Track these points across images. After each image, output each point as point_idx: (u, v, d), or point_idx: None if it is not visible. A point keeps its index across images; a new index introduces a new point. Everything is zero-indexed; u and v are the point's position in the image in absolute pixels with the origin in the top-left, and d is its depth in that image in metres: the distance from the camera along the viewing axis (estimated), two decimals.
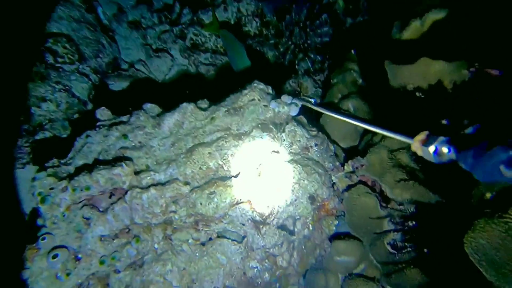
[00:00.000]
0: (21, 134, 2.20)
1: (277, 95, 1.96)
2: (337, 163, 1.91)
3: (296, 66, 3.41)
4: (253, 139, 1.68)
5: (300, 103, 1.85)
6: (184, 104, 1.82)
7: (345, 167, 1.92)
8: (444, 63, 1.57)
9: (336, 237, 1.85)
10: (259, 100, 1.81)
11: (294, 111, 1.84)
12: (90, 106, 2.50)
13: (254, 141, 1.68)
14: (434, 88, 1.70)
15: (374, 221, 1.73)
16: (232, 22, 3.01)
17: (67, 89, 2.33)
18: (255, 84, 1.86)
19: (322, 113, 2.11)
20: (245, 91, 1.82)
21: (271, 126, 1.74)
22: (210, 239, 1.63)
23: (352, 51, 2.68)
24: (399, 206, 1.71)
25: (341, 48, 2.76)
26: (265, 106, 1.80)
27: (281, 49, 3.41)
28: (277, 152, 1.70)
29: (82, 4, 2.87)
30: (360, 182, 1.87)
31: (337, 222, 1.81)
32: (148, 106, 1.91)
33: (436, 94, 1.70)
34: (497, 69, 1.39)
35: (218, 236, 1.62)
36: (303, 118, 2.07)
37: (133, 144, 1.72)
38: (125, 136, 1.70)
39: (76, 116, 2.38)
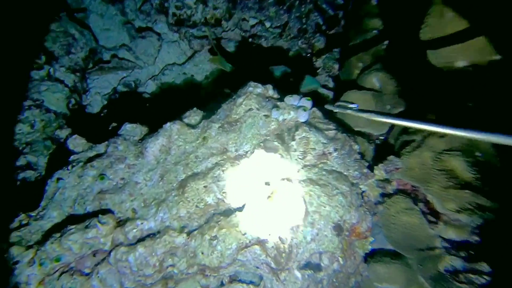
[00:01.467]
0: None
1: (281, 93, 1.52)
2: (365, 169, 1.51)
3: (304, 23, 2.85)
4: (256, 163, 1.30)
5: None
6: (168, 124, 1.43)
7: (376, 171, 1.53)
8: None
9: (374, 256, 1.53)
10: (257, 109, 1.39)
11: (303, 116, 1.41)
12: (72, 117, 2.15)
13: (258, 165, 1.31)
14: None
15: (422, 238, 1.38)
16: None
17: (39, 104, 1.97)
18: (250, 89, 1.43)
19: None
20: (240, 100, 1.40)
21: (276, 143, 1.34)
22: (222, 284, 1.36)
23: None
24: (455, 222, 1.33)
25: None
26: (265, 116, 1.38)
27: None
28: (288, 175, 1.32)
29: None
30: (398, 190, 1.49)
31: (372, 239, 1.47)
32: (128, 127, 1.54)
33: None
34: None
35: (231, 281, 1.35)
36: (316, 112, 1.64)
37: (114, 184, 1.39)
38: (101, 177, 1.36)
39: (58, 132, 2.05)
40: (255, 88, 1.43)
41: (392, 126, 1.73)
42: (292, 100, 1.43)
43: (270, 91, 1.49)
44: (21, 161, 1.98)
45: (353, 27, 2.16)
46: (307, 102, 1.41)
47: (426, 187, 1.36)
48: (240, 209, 1.32)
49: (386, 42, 1.94)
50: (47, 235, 1.28)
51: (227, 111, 1.43)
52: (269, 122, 1.38)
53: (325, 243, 1.30)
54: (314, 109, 1.68)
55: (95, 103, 2.56)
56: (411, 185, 1.46)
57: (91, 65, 2.52)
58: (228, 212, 1.33)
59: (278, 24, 2.79)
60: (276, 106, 1.40)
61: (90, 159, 1.44)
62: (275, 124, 1.39)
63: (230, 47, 2.88)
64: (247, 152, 1.35)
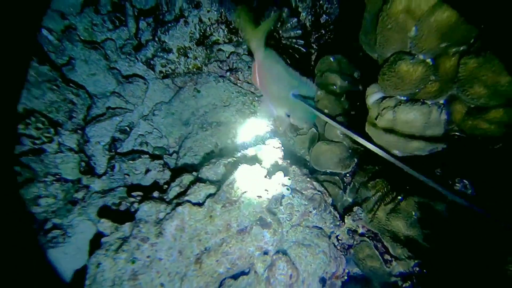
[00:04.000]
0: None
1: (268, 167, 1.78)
2: (338, 221, 1.84)
3: None
4: (255, 239, 1.60)
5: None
6: (180, 208, 1.68)
7: (346, 220, 1.86)
8: None
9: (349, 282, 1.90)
10: (251, 191, 1.65)
11: (287, 193, 1.69)
12: (84, 180, 2.33)
13: (256, 239, 1.60)
14: None
15: (382, 273, 1.75)
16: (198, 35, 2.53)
17: (58, 178, 2.14)
18: (242, 174, 1.68)
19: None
20: (236, 185, 1.65)
21: (269, 220, 1.63)
22: None
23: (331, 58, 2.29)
24: (402, 261, 1.70)
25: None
26: (258, 197, 1.65)
27: None
28: (281, 246, 1.63)
29: (33, 57, 2.42)
30: (365, 232, 1.83)
31: (346, 276, 1.84)
32: (145, 208, 1.78)
33: None
34: None
35: None
36: (296, 169, 1.93)
37: (142, 263, 1.65)
38: (133, 261, 1.62)
39: (75, 195, 2.24)
40: (246, 173, 1.68)
41: (356, 165, 2.04)
42: (276, 178, 1.69)
43: (258, 170, 1.74)
44: (48, 225, 2.19)
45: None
46: (288, 181, 1.68)
47: (383, 235, 1.71)
48: (246, 273, 1.63)
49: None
50: None
51: (227, 193, 1.68)
52: (262, 202, 1.65)
53: None
54: (294, 168, 1.96)
55: (97, 152, 2.72)
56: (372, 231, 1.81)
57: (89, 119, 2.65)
58: (237, 276, 1.64)
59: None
60: (263, 188, 1.67)
61: (120, 243, 1.69)
62: (266, 202, 1.67)
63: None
64: (247, 227, 1.64)
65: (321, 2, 2.63)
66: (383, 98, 1.48)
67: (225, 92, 2.90)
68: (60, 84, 2.40)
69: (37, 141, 2.17)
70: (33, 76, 2.30)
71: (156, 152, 2.84)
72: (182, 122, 2.96)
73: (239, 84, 2.92)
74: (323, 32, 2.67)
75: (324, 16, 2.67)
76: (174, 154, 2.83)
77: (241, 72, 2.94)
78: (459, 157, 1.45)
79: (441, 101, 1.34)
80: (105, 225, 1.77)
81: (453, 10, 1.06)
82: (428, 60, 1.24)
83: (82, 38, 2.91)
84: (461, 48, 1.13)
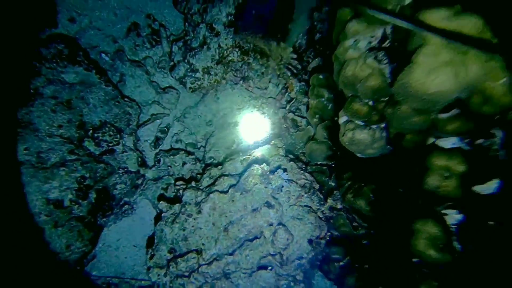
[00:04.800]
0: None
1: (272, 167, 2.50)
2: (322, 201, 2.57)
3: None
4: (263, 215, 2.36)
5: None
6: (211, 195, 2.45)
7: (328, 200, 2.59)
8: None
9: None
10: (260, 183, 2.39)
11: (285, 184, 2.42)
12: (141, 170, 3.15)
13: (264, 216, 2.36)
14: None
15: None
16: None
17: (126, 170, 2.96)
18: (254, 171, 2.41)
19: None
20: (250, 179, 2.40)
21: (273, 203, 2.38)
22: None
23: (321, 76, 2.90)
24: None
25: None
26: (265, 187, 2.39)
27: None
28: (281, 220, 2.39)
29: (101, 81, 3.15)
30: (342, 207, 2.56)
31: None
32: (188, 194, 2.56)
33: None
34: None
35: None
36: (293, 164, 2.65)
37: (189, 230, 2.46)
38: (183, 229, 2.44)
39: (136, 182, 3.07)
40: (257, 170, 2.42)
41: (338, 159, 2.73)
42: (278, 173, 2.42)
43: (266, 167, 2.47)
44: (122, 202, 3.04)
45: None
46: (286, 175, 2.41)
47: (351, 210, 2.43)
48: (258, 237, 2.41)
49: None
50: None
51: (243, 184, 2.43)
52: (268, 190, 2.40)
53: (303, 249, 2.42)
54: (292, 163, 2.68)
55: (146, 149, 3.51)
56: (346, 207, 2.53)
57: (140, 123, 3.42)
58: (252, 239, 2.42)
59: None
60: (269, 180, 2.40)
61: (174, 218, 2.50)
62: (270, 190, 2.41)
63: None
64: (258, 208, 2.40)
65: (315, 23, 3.19)
66: (348, 121, 2.14)
67: (239, 97, 3.59)
68: (120, 100, 3.16)
69: (110, 144, 2.97)
70: (103, 96, 3.06)
71: (189, 148, 3.61)
72: (206, 122, 3.69)
73: (250, 90, 3.58)
74: (317, 47, 3.25)
75: (318, 34, 3.23)
76: (202, 148, 3.58)
77: (252, 80, 3.59)
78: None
79: (382, 125, 1.99)
80: (163, 205, 2.58)
81: (380, 77, 1.70)
82: (370, 103, 1.88)
83: (128, 57, 3.62)
84: (386, 99, 1.76)
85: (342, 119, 2.19)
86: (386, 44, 1.68)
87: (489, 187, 1.43)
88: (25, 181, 2.28)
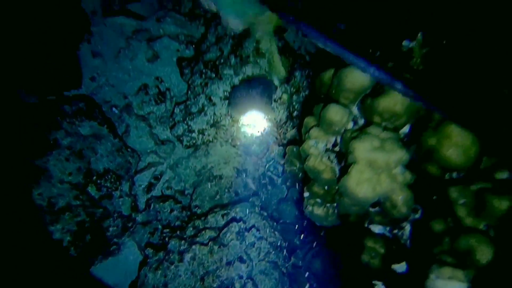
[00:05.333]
0: None
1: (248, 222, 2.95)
2: (287, 258, 2.99)
3: None
4: (236, 269, 2.76)
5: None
6: (193, 246, 2.85)
7: (292, 258, 3.01)
8: None
9: None
10: (236, 239, 2.82)
11: (256, 241, 2.85)
12: (133, 215, 3.54)
13: (236, 269, 2.76)
14: None
15: None
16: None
17: (120, 214, 3.34)
18: (232, 228, 2.85)
19: None
20: (228, 235, 2.83)
21: (245, 258, 2.79)
22: None
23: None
24: None
25: None
26: (240, 243, 2.82)
27: None
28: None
29: (110, 133, 3.63)
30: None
31: None
32: (173, 243, 2.96)
33: None
34: None
35: None
36: (265, 223, 3.10)
37: (170, 277, 2.83)
38: (165, 275, 2.80)
39: (127, 224, 3.45)
40: (234, 227, 2.85)
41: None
42: (251, 232, 2.86)
43: (242, 225, 2.91)
44: (111, 242, 3.38)
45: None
46: (257, 233, 2.84)
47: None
48: None
49: None
50: None
51: (222, 239, 2.85)
52: (242, 246, 2.82)
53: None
54: (265, 221, 3.12)
55: (139, 193, 3.92)
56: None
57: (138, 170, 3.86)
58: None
59: None
60: (244, 237, 2.84)
61: (158, 264, 2.86)
62: (244, 246, 2.83)
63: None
64: (232, 261, 2.80)
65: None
66: (310, 197, 2.64)
67: (226, 153, 4.11)
68: (123, 151, 3.62)
69: (109, 189, 3.38)
70: (110, 146, 3.52)
71: (177, 194, 4.03)
72: (195, 173, 4.16)
73: (236, 147, 4.11)
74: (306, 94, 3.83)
75: (295, 112, 3.84)
76: (188, 196, 4.02)
77: (239, 140, 4.12)
78: None
79: (334, 205, 2.49)
80: (149, 251, 2.95)
81: (331, 173, 2.23)
82: (326, 187, 2.40)
83: (135, 111, 4.14)
84: (336, 187, 2.29)
85: (306, 195, 2.70)
86: (336, 149, 2.24)
87: (401, 266, 1.91)
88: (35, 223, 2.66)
